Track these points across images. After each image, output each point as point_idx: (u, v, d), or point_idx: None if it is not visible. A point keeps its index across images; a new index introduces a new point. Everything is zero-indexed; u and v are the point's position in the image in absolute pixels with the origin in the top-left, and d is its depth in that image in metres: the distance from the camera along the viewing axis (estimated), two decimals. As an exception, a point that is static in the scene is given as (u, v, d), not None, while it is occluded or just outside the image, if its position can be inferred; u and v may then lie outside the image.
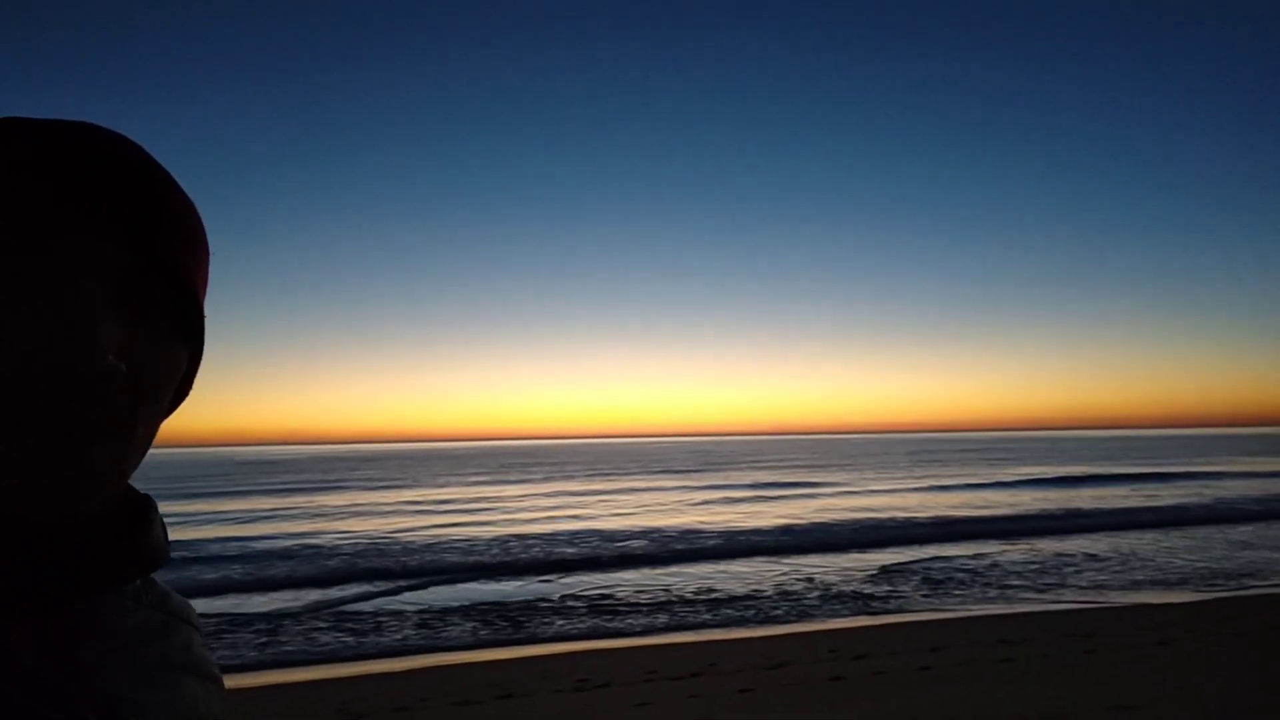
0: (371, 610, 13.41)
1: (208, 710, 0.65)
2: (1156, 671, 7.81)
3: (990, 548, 18.71)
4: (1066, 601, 13.03)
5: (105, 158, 0.57)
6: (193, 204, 0.62)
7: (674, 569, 17.15)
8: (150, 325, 0.57)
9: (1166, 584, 14.36)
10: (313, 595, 14.90)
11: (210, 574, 16.44)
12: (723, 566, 17.36)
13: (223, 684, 0.69)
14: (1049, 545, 19.07)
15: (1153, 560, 16.87)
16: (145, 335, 0.57)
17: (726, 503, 31.97)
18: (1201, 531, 20.75)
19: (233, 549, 20.48)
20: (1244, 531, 20.61)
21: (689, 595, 14.14)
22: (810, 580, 15.44)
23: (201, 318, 0.61)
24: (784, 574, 16.22)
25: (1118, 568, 16.07)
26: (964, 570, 16.07)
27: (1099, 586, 14.23)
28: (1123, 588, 14.09)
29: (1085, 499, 29.59)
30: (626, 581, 15.64)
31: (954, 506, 27.82)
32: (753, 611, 12.80)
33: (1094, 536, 20.41)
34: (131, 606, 0.62)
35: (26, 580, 0.53)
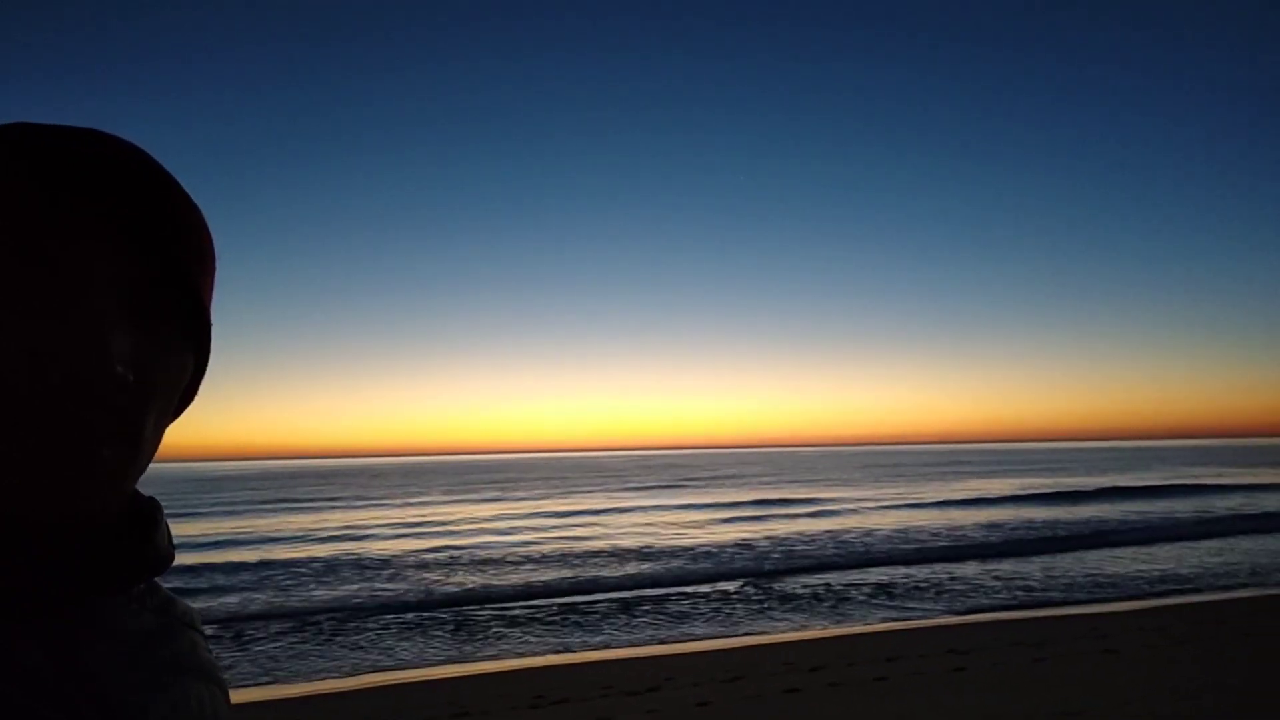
0: (324, 628, 13.17)
1: (213, 714, 0.65)
2: (1104, 679, 8.00)
3: (965, 569, 18.83)
4: (1015, 610, 13.30)
5: (115, 166, 0.57)
6: (201, 213, 0.63)
7: (640, 590, 17.12)
8: (158, 332, 0.58)
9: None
10: (265, 613, 14.61)
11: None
12: (690, 586, 17.40)
13: (227, 689, 0.69)
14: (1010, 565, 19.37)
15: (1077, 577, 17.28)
16: (153, 342, 0.57)
17: (710, 523, 30.69)
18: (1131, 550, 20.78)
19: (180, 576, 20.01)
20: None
21: (648, 609, 14.14)
22: (770, 595, 15.54)
23: (208, 326, 0.62)
24: (746, 592, 16.28)
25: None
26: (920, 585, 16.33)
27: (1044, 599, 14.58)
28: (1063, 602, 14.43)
29: (1045, 516, 29.48)
30: (593, 599, 15.55)
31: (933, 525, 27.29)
32: (708, 625, 12.85)
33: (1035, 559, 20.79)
34: (136, 609, 0.62)
35: (31, 580, 0.53)
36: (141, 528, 0.62)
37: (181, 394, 0.63)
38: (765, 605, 14.45)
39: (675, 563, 20.26)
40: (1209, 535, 23.27)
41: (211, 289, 0.64)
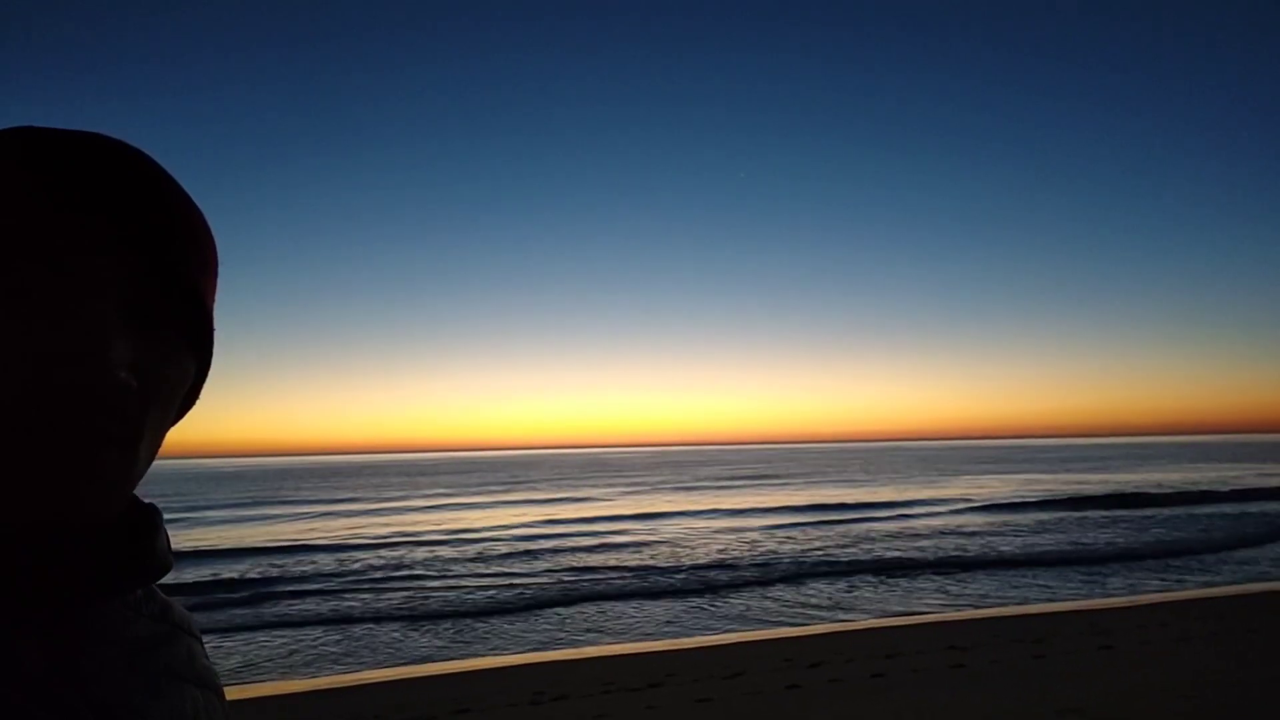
0: (324, 625, 13.18)
1: None
2: (1102, 675, 8.00)
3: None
4: (1015, 606, 13.30)
5: (121, 171, 0.57)
6: (204, 218, 0.63)
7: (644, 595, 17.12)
8: (161, 337, 0.58)
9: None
10: (261, 609, 14.63)
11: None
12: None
13: (224, 696, 0.69)
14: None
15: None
16: (156, 346, 0.58)
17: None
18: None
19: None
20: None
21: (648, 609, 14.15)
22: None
23: (211, 331, 0.62)
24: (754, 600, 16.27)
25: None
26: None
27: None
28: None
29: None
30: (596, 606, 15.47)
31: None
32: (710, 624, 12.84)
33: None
34: (134, 616, 0.62)
35: (30, 583, 0.53)
36: (141, 533, 0.62)
37: (183, 398, 0.63)
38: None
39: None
40: None
41: (214, 293, 0.64)
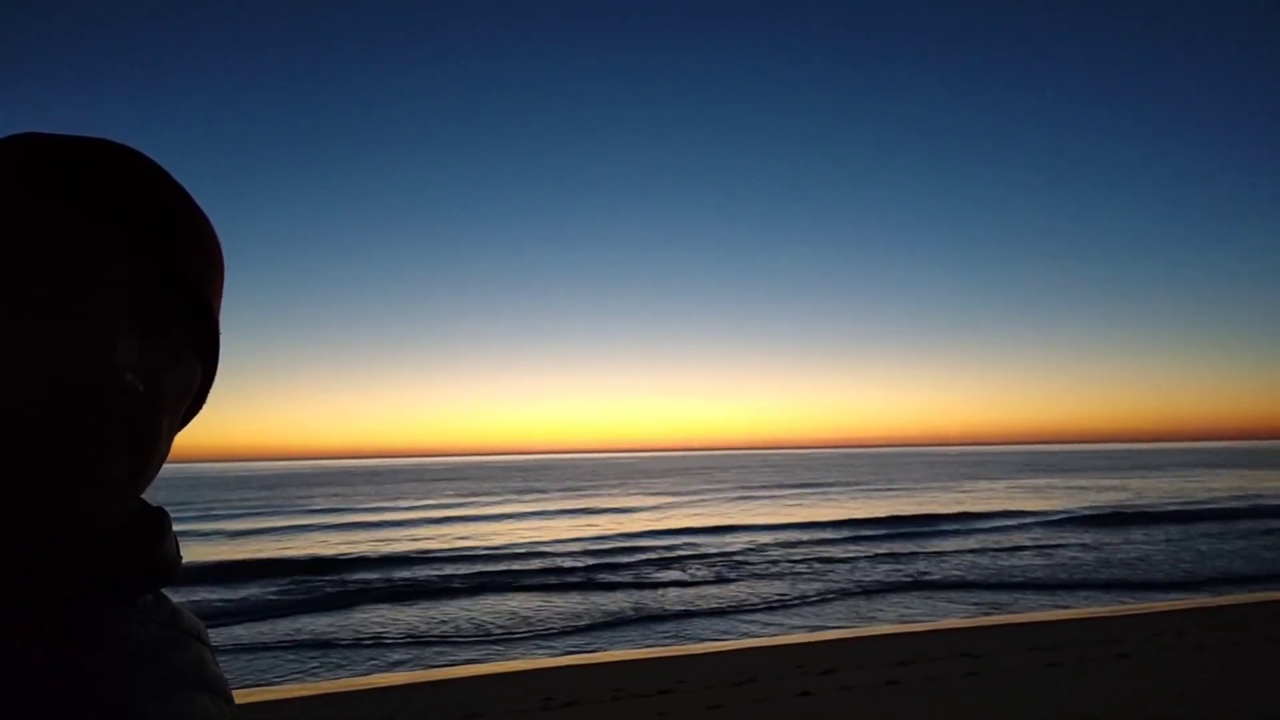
0: (335, 631, 13.21)
1: None
2: (1118, 684, 7.93)
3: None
4: (1029, 613, 13.21)
5: (126, 175, 0.58)
6: (209, 221, 0.63)
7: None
8: (167, 340, 0.58)
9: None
10: (277, 617, 14.67)
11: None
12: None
13: (234, 702, 0.69)
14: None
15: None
16: (162, 349, 0.57)
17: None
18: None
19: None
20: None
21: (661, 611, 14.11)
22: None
23: (217, 335, 0.63)
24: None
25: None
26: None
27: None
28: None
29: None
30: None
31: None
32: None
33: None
34: (143, 620, 0.62)
35: (35, 585, 0.53)
36: (148, 537, 0.62)
37: (190, 403, 0.63)
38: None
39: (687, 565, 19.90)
40: None
41: (220, 296, 0.64)
